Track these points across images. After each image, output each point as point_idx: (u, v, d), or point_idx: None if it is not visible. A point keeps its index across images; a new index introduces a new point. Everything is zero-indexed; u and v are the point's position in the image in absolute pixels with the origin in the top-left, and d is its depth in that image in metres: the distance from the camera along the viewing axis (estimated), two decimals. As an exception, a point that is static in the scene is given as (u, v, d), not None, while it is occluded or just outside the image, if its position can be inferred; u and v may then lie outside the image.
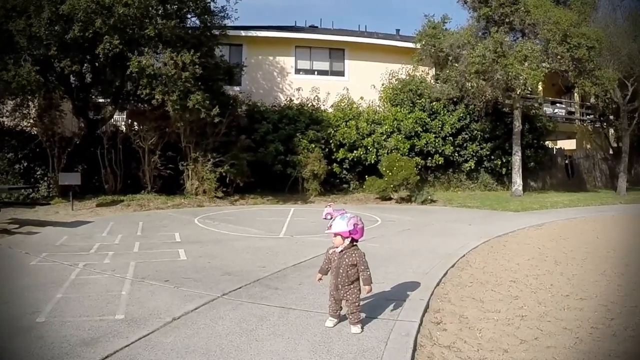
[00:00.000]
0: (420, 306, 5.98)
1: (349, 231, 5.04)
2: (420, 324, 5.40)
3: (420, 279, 7.33)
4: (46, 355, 4.49)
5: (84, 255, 8.99)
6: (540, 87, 27.84)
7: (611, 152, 32.56)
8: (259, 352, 4.58)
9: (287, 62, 26.67)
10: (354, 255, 5.05)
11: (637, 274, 8.11)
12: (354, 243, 5.15)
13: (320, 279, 5.34)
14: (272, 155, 21.13)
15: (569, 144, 34.16)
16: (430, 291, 6.68)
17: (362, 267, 5.04)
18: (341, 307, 5.26)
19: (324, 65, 27.48)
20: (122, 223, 13.44)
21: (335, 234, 5.10)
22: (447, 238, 11.45)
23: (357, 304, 5.10)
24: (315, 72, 27.04)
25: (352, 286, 5.08)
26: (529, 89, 23.15)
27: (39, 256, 8.98)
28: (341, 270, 5.04)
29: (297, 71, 26.81)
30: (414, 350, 4.72)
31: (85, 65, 19.03)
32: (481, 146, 25.23)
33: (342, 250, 5.07)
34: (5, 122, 20.59)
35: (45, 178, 19.95)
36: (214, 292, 6.56)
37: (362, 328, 5.10)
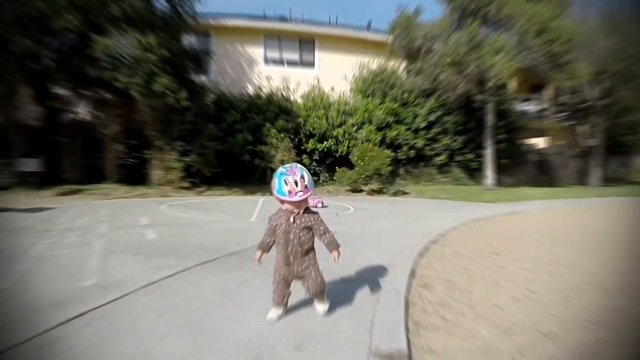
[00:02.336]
0: (406, 271, 5.79)
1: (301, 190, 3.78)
2: (409, 286, 5.20)
3: (402, 251, 7.15)
4: (7, 317, 4.11)
5: (46, 235, 8.52)
6: (513, 84, 28.06)
7: (582, 149, 32.99)
8: (242, 311, 4.35)
9: (256, 52, 26.37)
10: (306, 217, 3.93)
11: (613, 248, 8.04)
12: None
13: (260, 257, 4.03)
14: (240, 145, 20.80)
15: (541, 142, 34.52)
16: (413, 260, 6.49)
17: (323, 229, 3.96)
18: (290, 291, 4.11)
19: (294, 56, 27.24)
20: (85, 209, 12.94)
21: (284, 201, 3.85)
22: (424, 221, 11.28)
23: (320, 280, 4.05)
24: (285, 63, 26.77)
25: (307, 257, 3.99)
26: (503, 80, 23.23)
27: (-5, 235, 8.50)
28: (292, 236, 3.88)
29: (267, 61, 26.52)
30: (407, 305, 4.55)
31: (46, 50, 18.43)
32: (453, 139, 25.26)
33: (292, 219, 3.91)
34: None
35: (3, 167, 19.28)
36: (190, 262, 6.24)
37: (328, 307, 4.23)
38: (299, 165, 3.89)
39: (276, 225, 3.96)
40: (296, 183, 3.76)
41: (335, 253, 3.95)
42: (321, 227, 3.99)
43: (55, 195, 16.38)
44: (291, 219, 3.91)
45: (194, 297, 4.68)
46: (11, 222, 10.45)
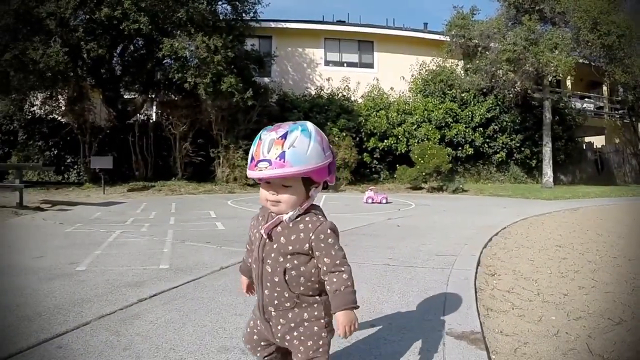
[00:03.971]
0: (473, 260, 5.87)
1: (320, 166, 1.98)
2: (476, 274, 5.26)
3: (466, 242, 7.22)
4: (88, 294, 4.41)
5: (119, 225, 8.94)
6: (569, 83, 27.50)
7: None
8: None
9: (317, 54, 26.63)
10: (299, 227, 2.04)
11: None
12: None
13: (245, 288, 2.46)
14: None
15: (598, 140, 33.64)
16: (479, 250, 6.54)
17: (330, 259, 2.03)
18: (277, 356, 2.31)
19: (353, 57, 27.40)
20: (154, 203, 13.42)
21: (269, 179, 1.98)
22: (485, 216, 11.25)
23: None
24: (345, 64, 26.95)
25: (297, 311, 2.10)
26: (560, 75, 22.82)
27: (74, 226, 8.97)
28: (266, 266, 2.09)
29: (327, 63, 26.76)
30: (476, 290, 4.61)
31: (116, 52, 19.20)
32: (511, 137, 24.93)
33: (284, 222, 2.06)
34: (37, 112, 20.91)
35: (75, 166, 20.20)
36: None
37: None
38: (302, 123, 1.99)
39: (251, 235, 2.24)
40: (268, 146, 1.91)
41: (345, 322, 2.01)
42: (329, 255, 2.01)
43: (126, 191, 17.00)
44: (262, 230, 2.06)
45: None
46: (86, 213, 10.96)
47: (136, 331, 3.48)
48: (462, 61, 25.88)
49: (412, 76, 25.98)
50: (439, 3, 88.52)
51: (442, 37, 25.03)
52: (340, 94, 23.85)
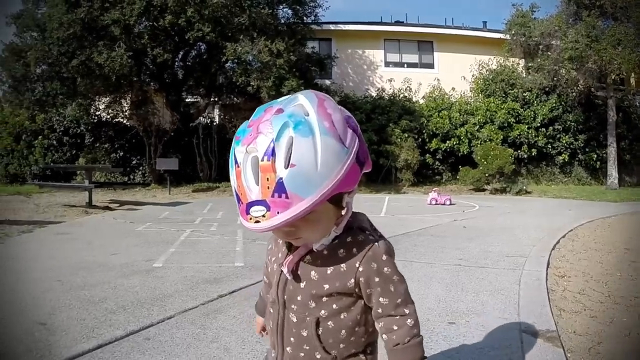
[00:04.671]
0: (542, 262, 5.87)
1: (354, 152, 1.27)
2: (547, 275, 5.23)
3: (534, 244, 7.19)
4: (168, 290, 4.57)
5: (189, 225, 9.18)
6: (633, 80, 26.66)
7: None
8: None
9: (377, 55, 26.59)
10: (353, 257, 1.38)
11: None
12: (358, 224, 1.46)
13: (261, 331, 1.78)
14: (371, 144, 21.06)
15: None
16: (548, 252, 6.52)
17: (389, 294, 1.40)
18: None
19: (413, 58, 27.24)
20: (220, 204, 13.66)
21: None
22: (551, 217, 11.09)
23: None
24: (405, 65, 26.82)
25: None
26: (624, 73, 22.15)
27: (144, 224, 9.26)
28: (294, 318, 1.43)
29: (387, 64, 26.68)
30: (548, 291, 4.61)
31: (178, 57, 19.67)
32: (575, 137, 24.32)
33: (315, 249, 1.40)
34: (102, 115, 21.63)
35: (141, 167, 20.78)
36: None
37: None
38: (291, 111, 1.21)
39: (267, 264, 1.65)
40: (254, 177, 1.20)
41: None
42: (386, 292, 1.40)
43: (191, 191, 17.38)
44: (283, 266, 1.42)
45: None
46: (155, 213, 11.27)
47: (221, 325, 3.61)
48: (523, 60, 25.41)
49: (473, 76, 25.66)
50: (495, 0, 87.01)
51: (502, 36, 24.65)
52: (401, 95, 23.76)
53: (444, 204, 13.85)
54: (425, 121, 22.47)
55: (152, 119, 19.63)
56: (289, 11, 20.07)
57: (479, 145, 21.62)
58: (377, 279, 1.36)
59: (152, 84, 19.98)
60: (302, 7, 20.02)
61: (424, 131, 22.44)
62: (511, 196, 18.70)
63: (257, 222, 1.19)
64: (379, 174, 21.24)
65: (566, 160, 24.30)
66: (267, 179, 1.15)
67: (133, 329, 3.54)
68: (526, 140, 23.38)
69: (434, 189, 15.37)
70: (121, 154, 21.53)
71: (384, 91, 23.99)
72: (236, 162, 1.22)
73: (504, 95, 24.11)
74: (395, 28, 27.42)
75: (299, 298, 1.40)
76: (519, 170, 23.24)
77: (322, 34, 23.59)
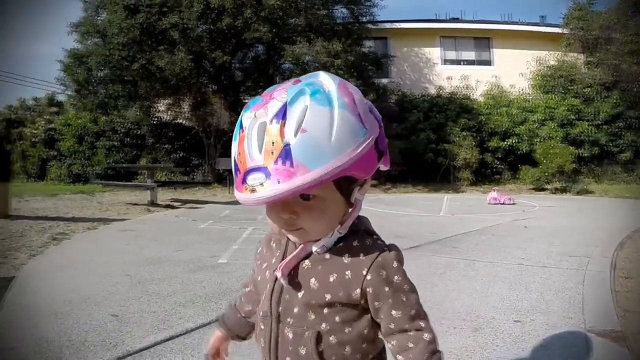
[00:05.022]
0: (606, 262, 5.77)
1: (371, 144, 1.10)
2: (611, 276, 5.14)
3: (597, 244, 7.04)
4: (235, 285, 4.71)
5: (250, 222, 9.30)
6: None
7: None
8: (454, 288, 4.67)
9: (433, 53, 26.36)
10: (359, 264, 1.18)
11: None
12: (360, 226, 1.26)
13: (214, 356, 1.55)
14: (423, 144, 20.95)
15: None
16: (611, 252, 6.38)
17: (401, 306, 1.19)
18: None
19: (471, 55, 26.90)
20: None
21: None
22: (613, 218, 10.82)
23: None
24: (462, 62, 26.53)
25: None
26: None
27: (206, 222, 9.46)
28: (290, 333, 1.22)
29: (444, 62, 26.43)
30: (612, 291, 4.56)
31: (236, 59, 19.98)
32: (638, 135, 23.52)
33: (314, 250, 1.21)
34: (162, 117, 22.16)
35: (201, 167, 21.19)
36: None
37: None
38: (311, 81, 1.10)
39: (255, 272, 1.40)
40: (258, 140, 1.04)
41: None
42: (398, 303, 1.19)
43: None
44: (278, 270, 1.20)
45: (418, 275, 4.95)
46: (216, 211, 11.49)
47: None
48: (583, 55, 24.77)
49: (531, 72, 25.15)
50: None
51: (561, 30, 24.12)
52: (459, 93, 23.51)
53: (503, 204, 13.68)
54: (484, 119, 22.18)
55: (211, 120, 20.01)
56: (345, 11, 20.15)
57: (538, 144, 21.22)
58: (387, 289, 1.16)
59: (210, 85, 20.39)
60: (357, 7, 20.08)
61: (482, 129, 22.14)
62: (572, 196, 18.31)
63: (253, 192, 1.02)
64: (437, 173, 21.11)
65: (629, 158, 23.53)
66: (273, 143, 1.00)
67: (203, 321, 3.67)
68: (587, 138, 22.77)
69: (493, 188, 15.19)
70: (181, 154, 21.96)
71: (442, 89, 23.80)
72: (241, 126, 1.07)
73: (563, 91, 23.57)
74: (451, 25, 27.17)
75: (295, 310, 1.19)
76: (580, 169, 22.64)
77: (378, 33, 23.53)
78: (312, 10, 17.64)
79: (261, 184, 1.00)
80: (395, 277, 1.17)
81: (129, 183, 17.29)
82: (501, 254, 6.23)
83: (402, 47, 25.80)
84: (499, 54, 26.58)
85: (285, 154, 0.99)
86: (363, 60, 19.92)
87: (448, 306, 4.07)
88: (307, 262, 1.20)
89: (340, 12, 20.27)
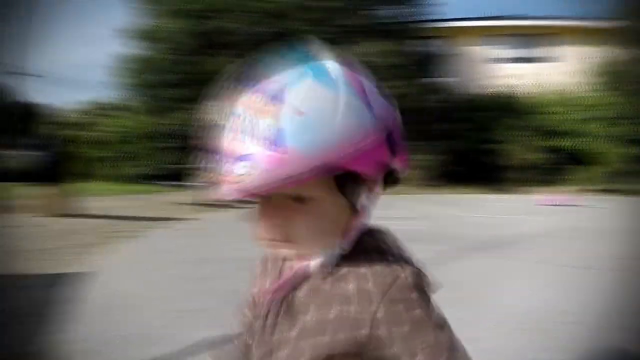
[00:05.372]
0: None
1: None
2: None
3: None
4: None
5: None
6: None
7: None
8: (509, 290, 4.77)
9: (489, 50, 25.86)
10: (366, 294, 0.87)
11: None
12: (373, 237, 0.97)
13: None
14: (481, 143, 20.75)
15: None
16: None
17: (423, 350, 0.84)
18: None
19: (528, 52, 26.05)
20: None
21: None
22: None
23: None
24: (519, 60, 25.89)
25: None
26: None
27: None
28: None
29: (500, 59, 25.84)
30: None
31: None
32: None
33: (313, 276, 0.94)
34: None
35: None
36: (457, 247, 6.63)
37: None
38: (315, 62, 0.91)
39: (254, 299, 1.09)
40: (250, 123, 0.84)
41: None
42: (418, 345, 0.84)
43: None
44: (270, 292, 0.98)
45: (469, 276, 5.15)
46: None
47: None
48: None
49: (591, 69, 24.53)
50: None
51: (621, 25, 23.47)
52: (515, 91, 23.13)
53: (558, 205, 13.49)
54: (540, 118, 21.80)
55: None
56: (396, 11, 20.16)
57: (593, 143, 20.80)
58: (404, 330, 0.84)
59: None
60: (409, 6, 20.08)
61: (537, 128, 21.76)
62: (628, 197, 17.89)
63: (237, 184, 0.83)
64: (490, 173, 20.86)
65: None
66: (267, 127, 0.81)
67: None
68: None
69: (547, 189, 14.95)
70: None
71: (497, 87, 23.46)
72: (233, 112, 0.88)
73: (624, 89, 22.94)
74: (507, 22, 26.65)
75: (287, 351, 0.91)
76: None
77: (431, 32, 23.36)
78: (364, 10, 17.73)
79: (249, 173, 0.81)
80: (415, 312, 0.84)
81: (185, 183, 17.62)
82: (556, 255, 6.26)
83: (457, 45, 25.49)
84: (558, 51, 26.03)
85: (279, 138, 0.80)
86: (416, 60, 19.92)
87: (504, 307, 4.15)
88: (304, 288, 0.92)
89: (392, 12, 20.30)
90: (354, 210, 0.91)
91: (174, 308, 4.09)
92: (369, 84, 0.91)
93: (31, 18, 16.78)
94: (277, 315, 0.94)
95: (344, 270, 0.90)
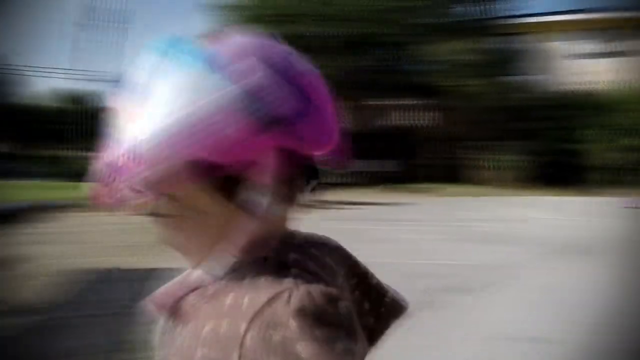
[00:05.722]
0: None
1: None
2: None
3: None
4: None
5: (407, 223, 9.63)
6: None
7: None
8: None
9: (568, 46, 25.12)
10: (237, 315, 0.68)
11: None
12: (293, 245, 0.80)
13: None
14: (562, 143, 20.30)
15: None
16: None
17: None
18: None
19: (608, 47, 25.34)
20: (422, 205, 14.31)
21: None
22: None
23: None
24: (599, 55, 25.02)
25: None
26: None
27: (362, 222, 9.80)
28: None
29: (580, 55, 25.04)
30: None
31: (365, 61, 20.27)
32: None
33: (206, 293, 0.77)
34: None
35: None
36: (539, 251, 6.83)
37: None
38: (181, 37, 0.76)
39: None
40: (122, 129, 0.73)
41: None
42: None
43: (406, 192, 17.88)
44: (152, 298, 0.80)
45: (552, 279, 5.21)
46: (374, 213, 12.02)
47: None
48: None
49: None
50: None
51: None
52: (596, 88, 22.39)
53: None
54: (622, 116, 21.01)
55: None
56: (477, 8, 20.00)
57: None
58: None
59: (340, 89, 20.74)
60: (487, 3, 19.84)
61: (620, 128, 20.99)
62: None
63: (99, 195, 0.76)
64: (572, 173, 20.29)
65: None
66: (127, 128, 0.71)
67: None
68: None
69: (631, 191, 14.44)
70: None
71: (579, 84, 22.73)
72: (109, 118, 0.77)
73: None
74: (586, 16, 25.79)
75: None
76: None
77: (510, 28, 22.90)
78: (442, 9, 17.66)
79: (112, 182, 0.72)
80: (298, 346, 0.62)
81: None
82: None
83: (536, 42, 24.85)
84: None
85: (136, 141, 0.69)
86: (496, 58, 19.68)
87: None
88: (190, 298, 0.77)
89: (473, 9, 20.18)
90: (236, 206, 0.73)
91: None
92: (257, 64, 0.71)
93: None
94: (167, 323, 0.80)
95: (229, 281, 0.74)
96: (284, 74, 0.71)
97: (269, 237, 0.75)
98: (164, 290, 0.79)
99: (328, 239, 0.88)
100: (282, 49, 0.76)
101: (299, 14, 17.53)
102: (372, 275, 0.92)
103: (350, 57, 18.00)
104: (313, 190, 0.78)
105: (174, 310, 0.77)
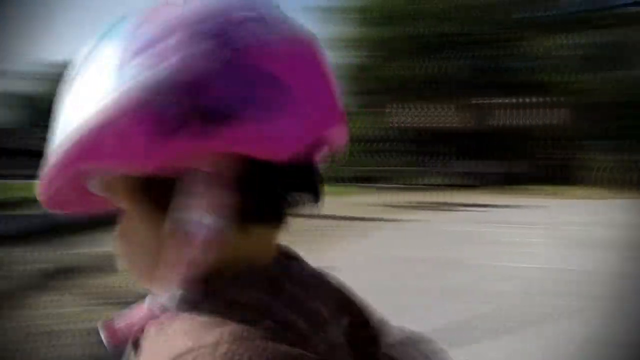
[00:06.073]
0: None
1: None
2: None
3: None
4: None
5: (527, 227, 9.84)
6: None
7: None
8: None
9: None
10: None
11: None
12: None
13: None
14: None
15: None
16: None
17: None
18: None
19: None
20: (537, 208, 13.97)
21: None
22: None
23: None
24: None
25: None
26: None
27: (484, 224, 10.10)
28: None
29: None
30: None
31: (468, 61, 20.15)
32: None
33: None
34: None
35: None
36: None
37: None
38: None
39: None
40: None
41: None
42: None
43: (525, 193, 17.48)
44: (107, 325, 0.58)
45: None
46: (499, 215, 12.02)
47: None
48: None
49: None
50: None
51: None
52: None
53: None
54: None
55: (441, 121, 20.31)
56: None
57: None
58: None
59: (441, 88, 20.60)
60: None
61: None
62: None
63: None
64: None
65: None
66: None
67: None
68: None
69: None
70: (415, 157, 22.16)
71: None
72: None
73: None
74: None
75: None
76: None
77: (623, 18, 21.97)
78: (550, 2, 17.34)
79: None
80: None
81: (389, 185, 17.94)
82: None
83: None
84: None
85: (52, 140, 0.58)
86: (609, 51, 19.04)
87: None
88: (145, 333, 0.56)
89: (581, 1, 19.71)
90: (180, 235, 0.53)
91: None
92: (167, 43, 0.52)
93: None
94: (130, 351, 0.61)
95: (167, 322, 0.53)
96: (230, 50, 0.51)
97: (224, 267, 0.54)
98: (123, 318, 0.59)
99: (328, 275, 0.69)
100: (234, 15, 0.53)
101: (408, 15, 17.68)
102: (381, 325, 0.73)
103: (456, 56, 17.94)
104: (311, 202, 0.57)
105: (133, 341, 0.59)
